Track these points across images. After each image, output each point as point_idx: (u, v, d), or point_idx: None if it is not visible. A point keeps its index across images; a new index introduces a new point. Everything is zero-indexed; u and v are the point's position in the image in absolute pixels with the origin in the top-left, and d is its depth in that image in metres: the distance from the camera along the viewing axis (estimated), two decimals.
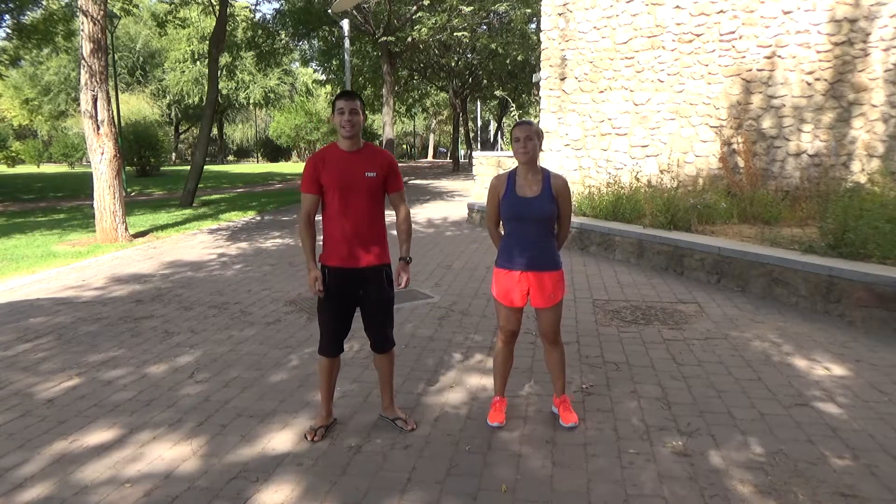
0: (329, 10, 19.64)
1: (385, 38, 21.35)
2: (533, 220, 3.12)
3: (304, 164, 3.07)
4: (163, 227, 11.46)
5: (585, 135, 10.39)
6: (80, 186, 21.19)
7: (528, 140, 3.07)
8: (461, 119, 37.41)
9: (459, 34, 21.04)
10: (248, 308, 5.75)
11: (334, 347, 3.21)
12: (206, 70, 22.04)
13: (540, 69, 11.09)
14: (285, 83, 50.05)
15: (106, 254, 8.76)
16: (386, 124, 23.36)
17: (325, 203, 3.09)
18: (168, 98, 45.59)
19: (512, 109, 16.54)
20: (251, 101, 46.85)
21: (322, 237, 3.16)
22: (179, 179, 22.66)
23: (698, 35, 9.22)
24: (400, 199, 3.23)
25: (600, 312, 5.42)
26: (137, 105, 39.72)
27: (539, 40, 12.76)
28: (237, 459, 3.00)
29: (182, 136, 52.90)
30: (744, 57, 8.93)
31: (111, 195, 9.69)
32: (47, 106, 42.20)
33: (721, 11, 9.01)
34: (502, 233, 3.32)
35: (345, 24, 16.17)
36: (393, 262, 3.22)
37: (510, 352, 3.37)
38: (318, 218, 3.16)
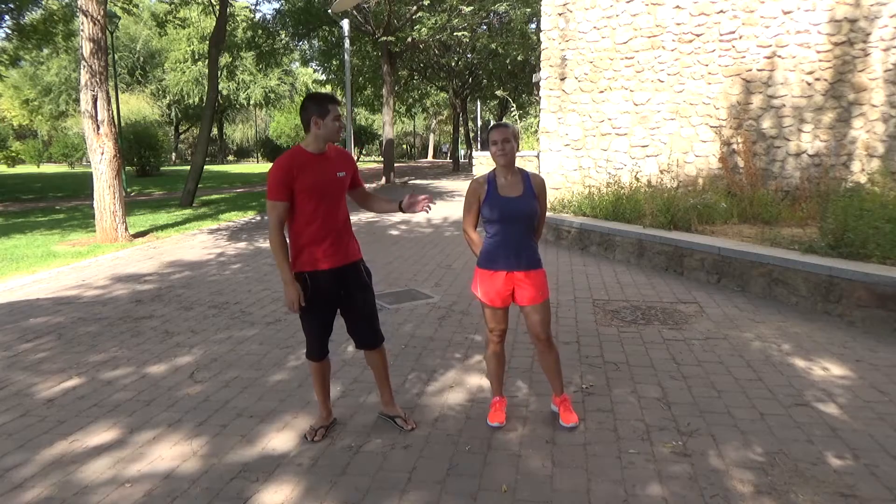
0: (329, 10, 19.64)
1: (385, 38, 21.35)
2: (519, 219, 3.14)
3: (271, 170, 2.95)
4: (163, 227, 11.46)
5: (585, 135, 10.38)
6: (80, 186, 21.19)
7: (506, 143, 3.09)
8: (461, 119, 37.41)
9: (459, 34, 21.04)
10: (248, 308, 5.75)
11: (323, 350, 3.21)
12: (206, 70, 22.03)
13: (540, 69, 11.09)
14: (285, 83, 50.04)
15: (106, 254, 8.76)
16: (386, 124, 23.37)
17: (299, 208, 2.99)
18: (168, 98, 45.59)
19: (512, 109, 16.51)
20: (252, 101, 46.87)
21: (294, 245, 3.07)
22: (179, 179, 22.66)
23: (698, 35, 9.22)
24: (363, 189, 3.34)
25: (600, 312, 5.42)
26: (137, 105, 39.73)
27: (539, 40, 12.76)
28: (237, 459, 3.00)
29: (182, 136, 52.90)
30: (744, 57, 8.93)
31: (111, 195, 9.70)
32: (47, 106, 42.21)
33: (721, 11, 9.01)
34: (473, 237, 3.30)
35: (345, 24, 16.18)
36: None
37: (503, 351, 3.38)
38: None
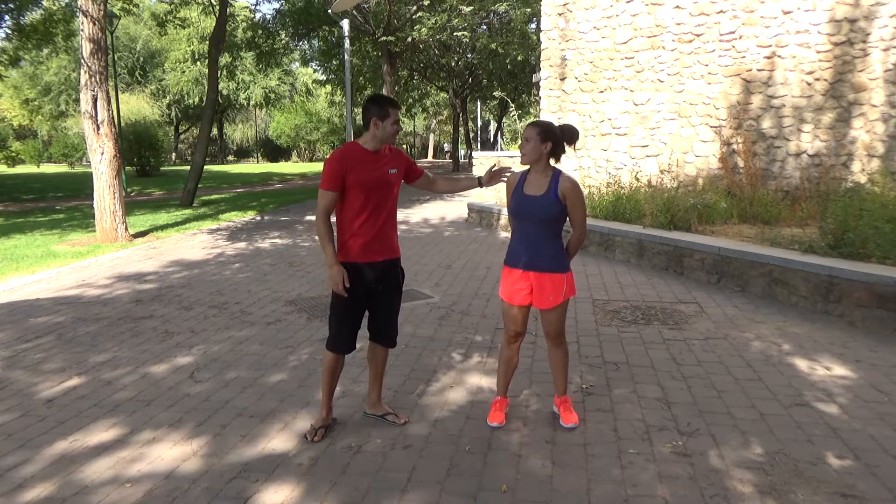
0: (329, 10, 19.63)
1: (385, 38, 21.35)
2: (533, 219, 3.12)
3: (327, 161, 3.09)
4: (163, 227, 11.45)
5: (585, 135, 10.38)
6: (80, 186, 21.18)
7: (527, 142, 3.13)
8: (461, 119, 37.41)
9: (459, 34, 21.05)
10: (248, 308, 5.75)
11: (352, 344, 3.23)
12: (206, 70, 22.03)
13: (540, 69, 11.09)
14: (285, 83, 50.03)
15: (106, 254, 8.76)
16: None
17: (348, 201, 3.10)
18: (168, 98, 45.58)
19: (512, 109, 16.54)
20: (252, 101, 46.85)
21: (341, 235, 3.17)
22: (179, 179, 22.65)
23: (698, 35, 9.22)
24: (427, 176, 3.43)
25: (600, 312, 5.42)
26: (137, 105, 39.74)
27: (539, 40, 12.76)
28: (237, 459, 3.00)
29: (182, 136, 52.88)
30: (744, 57, 8.93)
31: (111, 195, 9.70)
32: (47, 106, 42.19)
33: (721, 11, 9.02)
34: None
35: (345, 24, 16.17)
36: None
37: (514, 352, 3.35)
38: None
